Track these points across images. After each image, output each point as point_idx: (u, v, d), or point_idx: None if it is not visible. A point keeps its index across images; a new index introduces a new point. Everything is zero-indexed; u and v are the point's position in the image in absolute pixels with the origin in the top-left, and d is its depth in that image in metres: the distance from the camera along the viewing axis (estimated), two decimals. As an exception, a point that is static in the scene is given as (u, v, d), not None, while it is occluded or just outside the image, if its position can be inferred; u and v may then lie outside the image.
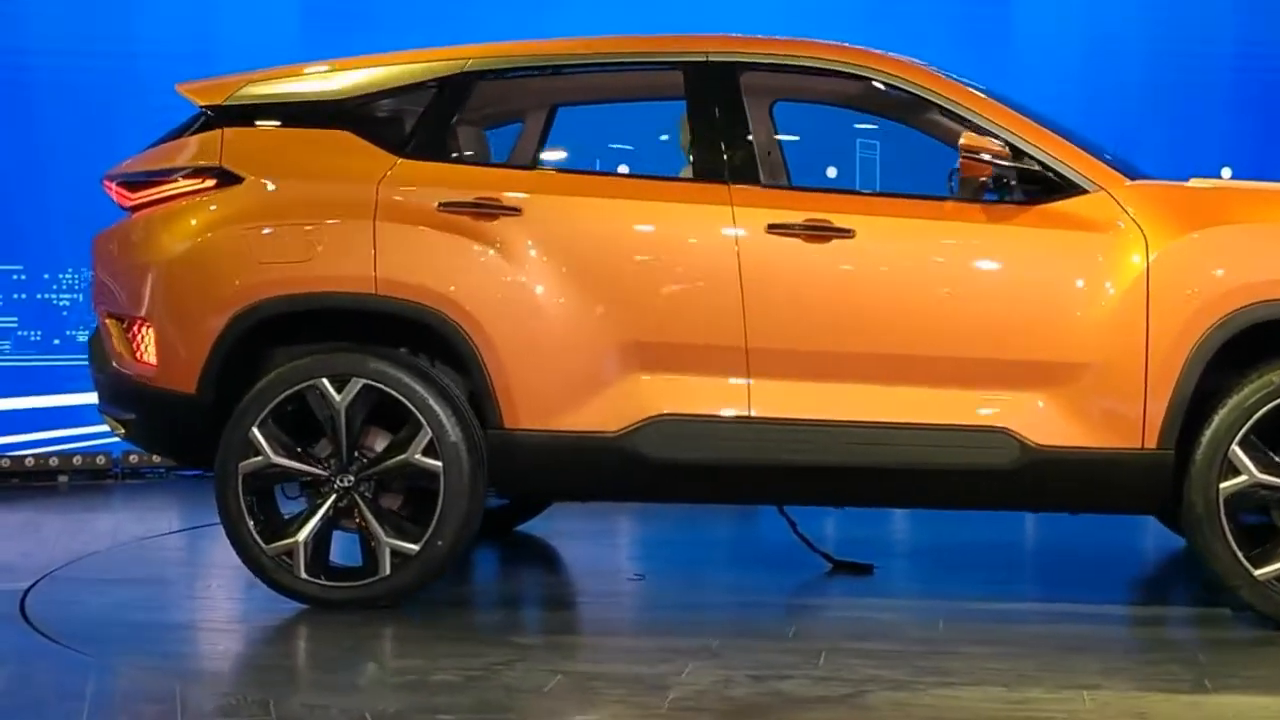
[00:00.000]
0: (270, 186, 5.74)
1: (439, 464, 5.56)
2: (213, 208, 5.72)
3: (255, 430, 5.60)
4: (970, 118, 5.62)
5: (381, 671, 5.04)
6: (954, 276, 5.57)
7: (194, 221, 5.72)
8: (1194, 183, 5.74)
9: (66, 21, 9.00)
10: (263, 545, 5.65)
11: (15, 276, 9.10)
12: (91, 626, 5.62)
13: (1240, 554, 5.35)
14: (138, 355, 5.81)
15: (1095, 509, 5.82)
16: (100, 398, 6.10)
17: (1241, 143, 9.55)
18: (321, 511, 5.64)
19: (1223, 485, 5.34)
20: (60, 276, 9.10)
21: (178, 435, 5.90)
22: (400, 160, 5.73)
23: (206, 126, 5.92)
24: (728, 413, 5.55)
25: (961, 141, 5.45)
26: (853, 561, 6.46)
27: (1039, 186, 5.55)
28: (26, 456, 9.07)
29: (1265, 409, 5.31)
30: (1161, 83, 9.72)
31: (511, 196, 5.65)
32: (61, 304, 9.11)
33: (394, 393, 5.57)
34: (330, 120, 5.85)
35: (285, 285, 5.63)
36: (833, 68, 5.84)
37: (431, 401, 5.56)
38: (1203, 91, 9.79)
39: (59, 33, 9.00)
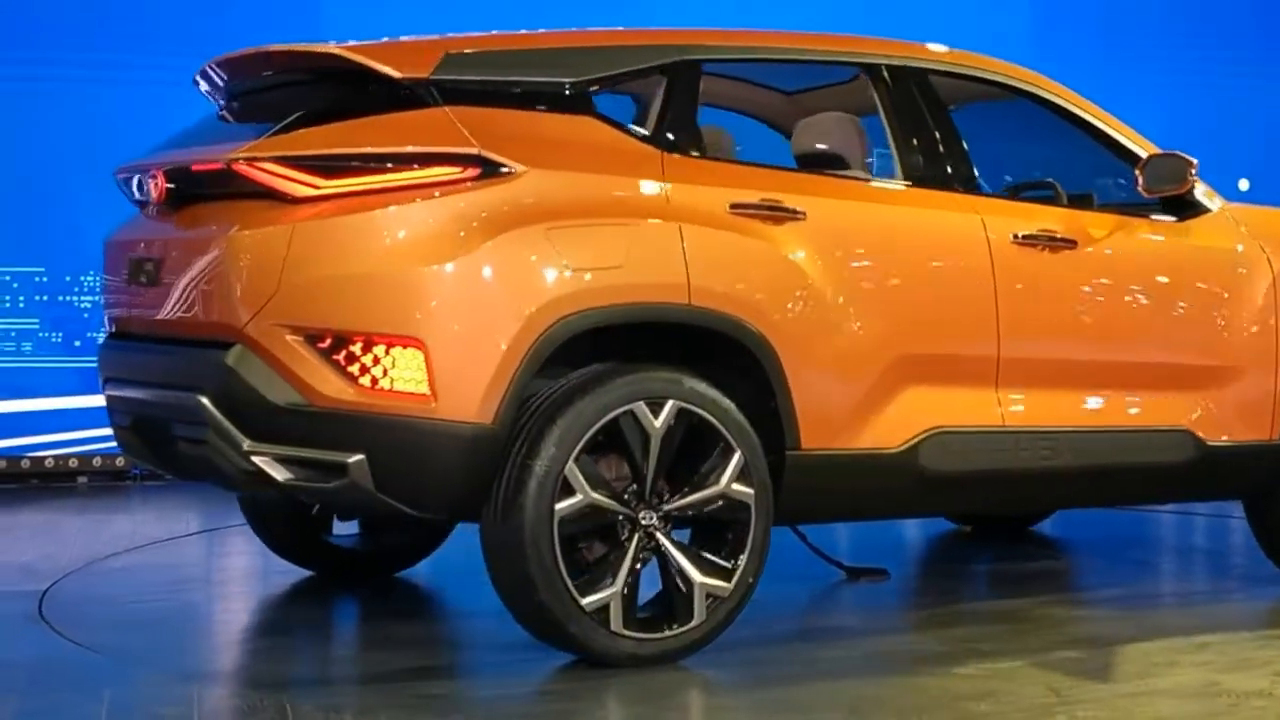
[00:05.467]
0: (552, 180, 4.80)
1: (751, 491, 4.96)
2: (487, 202, 4.67)
3: (573, 464, 4.72)
4: (1119, 139, 5.95)
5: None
6: (1154, 285, 5.86)
7: (473, 219, 4.64)
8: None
9: (84, 24, 9.01)
10: (581, 602, 4.76)
11: (37, 279, 8.98)
12: (110, 628, 5.48)
13: None
14: (367, 382, 4.58)
15: (1233, 497, 6.37)
16: (251, 434, 4.65)
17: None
18: (631, 554, 4.80)
19: None
20: (82, 279, 9.05)
21: (459, 477, 4.67)
22: (665, 154, 5.05)
23: (389, 103, 4.83)
24: (989, 423, 5.46)
25: (1192, 159, 5.76)
26: (868, 567, 6.35)
27: (1174, 205, 5.95)
28: (46, 457, 8.95)
29: None
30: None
31: (794, 199, 5.14)
32: (83, 306, 9.06)
33: (708, 415, 4.87)
34: (564, 105, 5.00)
35: (599, 296, 4.74)
36: (992, 78, 5.84)
37: (745, 424, 4.95)
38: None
39: (77, 36, 8.99)
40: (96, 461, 9.01)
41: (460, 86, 4.87)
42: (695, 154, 5.13)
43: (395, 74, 4.84)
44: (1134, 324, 5.81)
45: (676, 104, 5.16)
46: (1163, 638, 5.36)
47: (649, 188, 4.95)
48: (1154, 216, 5.95)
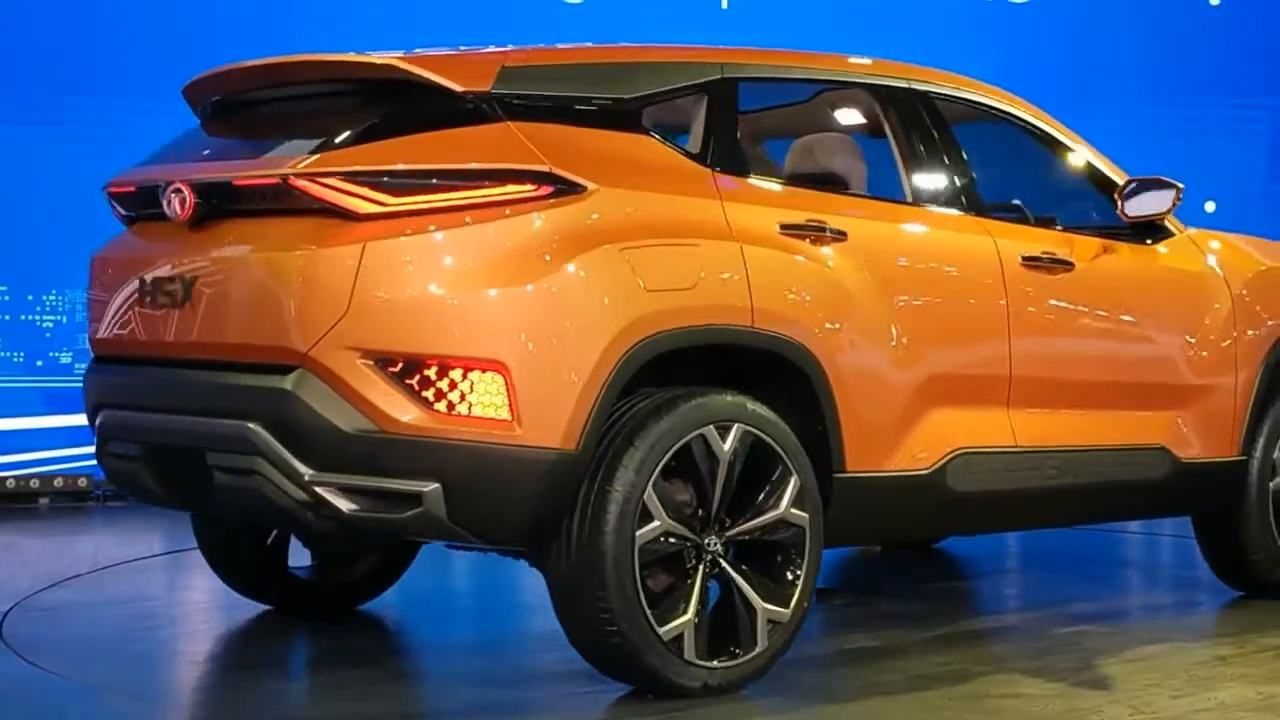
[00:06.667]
0: (622, 199, 4.63)
1: (806, 515, 4.83)
2: (563, 221, 4.48)
3: (651, 490, 4.54)
4: (1095, 163, 6.04)
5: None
6: (1139, 306, 5.93)
7: (551, 238, 4.45)
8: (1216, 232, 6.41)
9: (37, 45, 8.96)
10: (660, 632, 4.57)
11: (-1, 297, 9.00)
12: (71, 651, 5.33)
13: (1277, 537, 6.21)
14: (443, 407, 4.33)
15: (1197, 512, 6.35)
16: (313, 463, 4.39)
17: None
18: (700, 581, 4.65)
19: (1272, 484, 6.19)
20: (44, 298, 8.95)
21: (538, 505, 4.45)
22: (715, 173, 4.91)
23: (447, 117, 4.60)
24: (1003, 443, 5.46)
25: (1178, 184, 5.84)
26: (831, 588, 6.41)
27: (1144, 229, 6.02)
28: (7, 478, 8.76)
29: None
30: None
31: (836, 220, 5.06)
32: (45, 325, 8.96)
33: (769, 439, 4.75)
34: (619, 121, 4.84)
35: (676, 317, 4.61)
36: (982, 101, 5.84)
37: (800, 448, 4.84)
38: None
39: (34, 57, 8.96)
40: (58, 482, 8.90)
41: (519, 101, 4.66)
42: (741, 173, 5.04)
43: (457, 87, 4.61)
44: (1122, 344, 5.88)
45: (720, 122, 5.04)
46: (1174, 648, 5.46)
47: (709, 208, 4.81)
48: (1123, 240, 5.99)
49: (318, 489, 4.40)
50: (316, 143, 4.59)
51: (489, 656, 5.48)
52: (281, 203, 4.54)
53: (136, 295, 4.87)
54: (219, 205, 4.68)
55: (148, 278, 4.83)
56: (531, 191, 4.47)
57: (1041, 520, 6.09)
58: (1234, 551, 6.29)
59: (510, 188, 4.46)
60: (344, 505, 4.42)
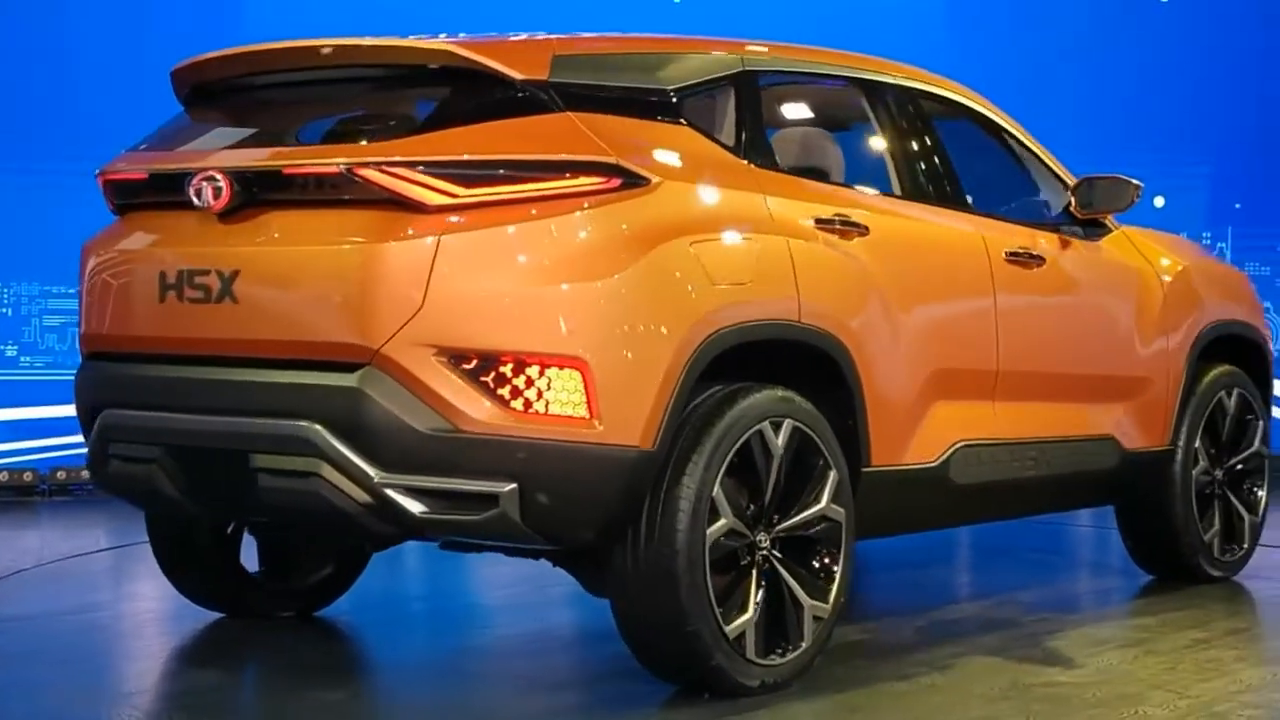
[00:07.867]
0: (682, 192, 4.56)
1: (843, 510, 4.80)
2: (633, 215, 4.39)
3: (718, 487, 4.48)
4: (1046, 161, 6.15)
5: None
6: (1095, 300, 6.08)
7: (623, 232, 4.35)
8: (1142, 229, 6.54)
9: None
10: (725, 631, 4.51)
11: (-57, 291, 8.90)
12: (16, 646, 5.30)
13: (1198, 522, 6.40)
14: (520, 405, 4.21)
15: (1130, 499, 6.44)
16: (382, 464, 4.22)
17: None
18: (755, 578, 4.60)
19: (1194, 472, 6.38)
20: (-9, 290, 8.91)
21: (614, 504, 4.34)
22: (752, 166, 4.86)
23: (503, 105, 4.49)
24: (991, 435, 5.51)
25: (1138, 182, 5.95)
26: None
27: (1087, 225, 6.12)
28: (-48, 473, 8.87)
29: (1212, 404, 6.45)
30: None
31: (858, 214, 5.04)
32: (-12, 318, 8.91)
33: (814, 435, 4.73)
34: (664, 112, 4.74)
35: (739, 312, 4.55)
36: (945, 96, 5.89)
37: (837, 443, 4.82)
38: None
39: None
40: (3, 476, 8.81)
41: (574, 90, 4.54)
42: (772, 167, 4.98)
43: (516, 75, 4.49)
44: (1082, 337, 5.98)
45: (749, 114, 4.99)
46: (1148, 632, 5.64)
47: (755, 201, 4.77)
48: (1072, 236, 6.06)
49: (387, 491, 4.24)
50: (373, 131, 4.50)
51: (492, 661, 5.41)
52: (339, 192, 4.35)
53: (155, 289, 4.59)
54: (258, 195, 4.47)
55: (169, 271, 4.56)
56: (600, 184, 4.38)
57: (1020, 510, 6.17)
58: (1160, 538, 6.43)
59: (581, 180, 4.36)
60: (414, 508, 4.25)
